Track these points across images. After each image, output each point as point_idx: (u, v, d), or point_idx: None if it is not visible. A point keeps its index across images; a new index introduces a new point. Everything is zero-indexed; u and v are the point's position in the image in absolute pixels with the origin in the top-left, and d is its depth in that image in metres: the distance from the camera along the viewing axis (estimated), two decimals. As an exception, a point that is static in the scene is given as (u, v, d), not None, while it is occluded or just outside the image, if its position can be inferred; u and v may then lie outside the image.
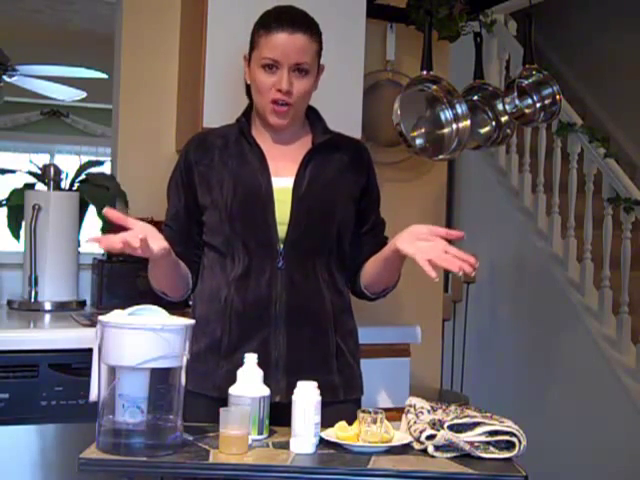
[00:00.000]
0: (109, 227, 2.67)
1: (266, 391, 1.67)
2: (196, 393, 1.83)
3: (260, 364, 1.70)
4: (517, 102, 3.10)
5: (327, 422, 1.65)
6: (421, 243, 1.76)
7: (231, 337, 1.87)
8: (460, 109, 2.98)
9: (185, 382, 1.60)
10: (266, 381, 1.70)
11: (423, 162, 3.29)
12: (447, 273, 4.62)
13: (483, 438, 1.59)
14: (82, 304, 2.70)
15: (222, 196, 1.88)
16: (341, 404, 1.88)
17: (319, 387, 1.65)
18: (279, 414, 1.70)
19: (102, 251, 2.76)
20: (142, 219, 2.68)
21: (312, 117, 2.02)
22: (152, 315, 1.60)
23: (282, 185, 1.90)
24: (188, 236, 1.96)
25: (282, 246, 1.88)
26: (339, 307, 1.96)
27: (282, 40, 1.85)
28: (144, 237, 1.68)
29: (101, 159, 3.12)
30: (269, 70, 1.87)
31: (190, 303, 2.61)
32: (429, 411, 1.70)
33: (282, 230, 1.88)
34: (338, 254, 1.96)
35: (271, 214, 1.87)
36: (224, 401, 1.67)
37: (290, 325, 1.87)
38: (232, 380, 1.68)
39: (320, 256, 1.92)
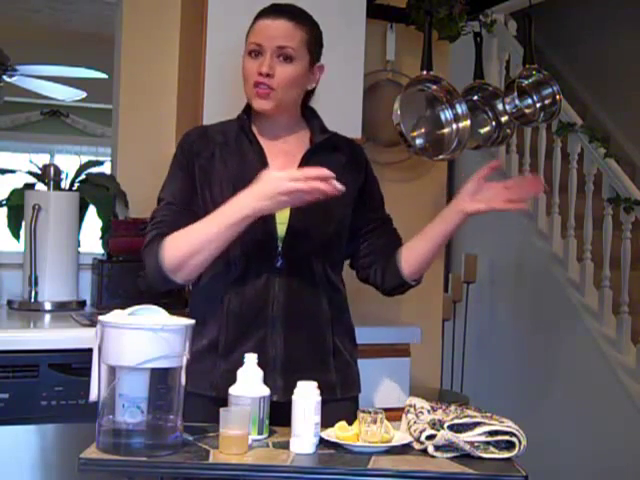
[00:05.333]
0: (109, 228, 2.69)
1: (266, 391, 1.67)
2: (193, 393, 1.83)
3: (257, 364, 1.70)
4: (517, 102, 3.10)
5: (325, 420, 1.65)
6: (482, 196, 1.88)
7: (228, 337, 1.87)
8: (460, 109, 2.98)
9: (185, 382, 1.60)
10: (263, 381, 1.70)
11: (423, 162, 3.29)
12: (447, 273, 4.62)
13: (483, 438, 1.59)
14: (82, 304, 2.70)
15: (221, 194, 1.87)
16: (339, 402, 1.88)
17: (316, 386, 1.65)
18: (276, 414, 1.70)
19: (102, 251, 2.76)
20: (142, 219, 2.70)
21: (309, 115, 2.02)
22: (152, 315, 1.60)
23: None
24: (194, 215, 1.88)
25: (281, 246, 1.88)
26: (336, 306, 1.96)
27: (265, 25, 1.88)
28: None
29: (101, 159, 3.12)
30: (254, 56, 1.88)
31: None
32: (429, 411, 1.70)
33: (281, 230, 1.88)
34: (335, 253, 1.96)
35: (270, 213, 1.87)
36: (222, 401, 1.67)
37: (287, 325, 1.87)
38: (230, 380, 1.68)
39: (318, 255, 1.92)
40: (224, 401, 1.66)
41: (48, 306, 2.61)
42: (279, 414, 1.69)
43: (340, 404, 1.88)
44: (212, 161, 1.92)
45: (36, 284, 2.59)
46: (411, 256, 1.98)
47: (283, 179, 1.69)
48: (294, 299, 1.88)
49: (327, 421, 1.65)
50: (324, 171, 1.70)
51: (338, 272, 2.00)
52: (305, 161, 1.92)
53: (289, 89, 1.91)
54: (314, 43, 1.94)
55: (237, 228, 1.76)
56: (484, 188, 1.88)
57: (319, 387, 1.65)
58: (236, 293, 1.87)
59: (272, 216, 1.86)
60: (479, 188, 1.88)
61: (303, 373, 1.72)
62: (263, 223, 1.85)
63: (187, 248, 1.79)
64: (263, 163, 1.90)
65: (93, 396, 1.62)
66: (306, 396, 1.62)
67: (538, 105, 3.22)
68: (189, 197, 1.89)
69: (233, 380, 1.67)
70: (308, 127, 2.00)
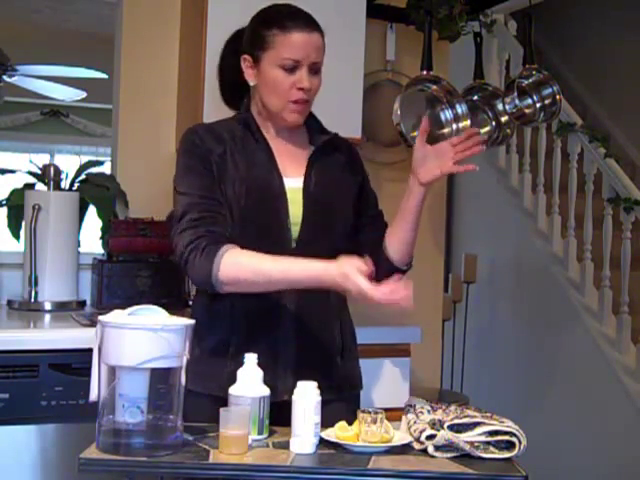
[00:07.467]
0: (109, 228, 2.69)
1: (266, 391, 1.67)
2: (200, 393, 1.83)
3: (268, 363, 1.71)
4: (517, 102, 3.11)
5: (331, 419, 1.66)
6: (432, 163, 1.86)
7: (239, 337, 1.87)
8: (460, 109, 2.98)
9: (186, 382, 1.60)
10: (274, 380, 1.71)
11: (423, 162, 3.29)
12: (447, 273, 4.62)
13: (483, 438, 1.59)
14: (82, 304, 2.70)
15: (234, 195, 1.86)
16: (344, 400, 1.90)
17: (325, 384, 1.66)
18: (286, 413, 1.68)
19: (102, 251, 2.76)
20: (142, 219, 2.70)
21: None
22: (152, 315, 1.60)
23: (292, 185, 1.90)
24: (223, 210, 1.86)
25: (294, 246, 1.88)
26: (341, 304, 1.99)
27: (303, 40, 1.85)
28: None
29: (101, 159, 3.12)
30: (289, 71, 1.86)
31: (190, 303, 2.61)
32: (429, 411, 1.70)
33: (295, 230, 1.88)
34: (341, 252, 1.96)
35: (284, 214, 1.87)
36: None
37: (298, 325, 1.88)
38: None
39: (327, 254, 1.92)
40: (232, 401, 1.66)
41: (48, 306, 2.61)
42: (289, 414, 1.68)
43: (345, 401, 1.90)
44: (225, 159, 1.88)
45: (36, 284, 2.59)
46: (394, 241, 1.99)
47: (370, 291, 1.67)
48: (304, 299, 1.88)
49: (333, 419, 1.66)
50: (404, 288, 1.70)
51: None
52: (312, 162, 1.94)
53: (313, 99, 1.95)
54: None
55: (301, 286, 1.79)
56: (431, 153, 1.88)
57: (327, 386, 1.65)
58: (247, 293, 1.86)
59: (287, 217, 1.87)
60: (426, 155, 1.88)
61: (313, 372, 1.72)
62: (278, 224, 1.86)
63: (251, 277, 1.77)
64: (272, 164, 1.90)
65: (93, 396, 1.62)
66: (306, 396, 1.62)
67: (538, 105, 3.22)
68: (217, 190, 1.85)
69: None
70: (306, 127, 2.01)
